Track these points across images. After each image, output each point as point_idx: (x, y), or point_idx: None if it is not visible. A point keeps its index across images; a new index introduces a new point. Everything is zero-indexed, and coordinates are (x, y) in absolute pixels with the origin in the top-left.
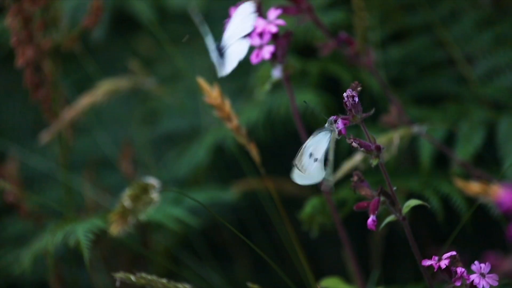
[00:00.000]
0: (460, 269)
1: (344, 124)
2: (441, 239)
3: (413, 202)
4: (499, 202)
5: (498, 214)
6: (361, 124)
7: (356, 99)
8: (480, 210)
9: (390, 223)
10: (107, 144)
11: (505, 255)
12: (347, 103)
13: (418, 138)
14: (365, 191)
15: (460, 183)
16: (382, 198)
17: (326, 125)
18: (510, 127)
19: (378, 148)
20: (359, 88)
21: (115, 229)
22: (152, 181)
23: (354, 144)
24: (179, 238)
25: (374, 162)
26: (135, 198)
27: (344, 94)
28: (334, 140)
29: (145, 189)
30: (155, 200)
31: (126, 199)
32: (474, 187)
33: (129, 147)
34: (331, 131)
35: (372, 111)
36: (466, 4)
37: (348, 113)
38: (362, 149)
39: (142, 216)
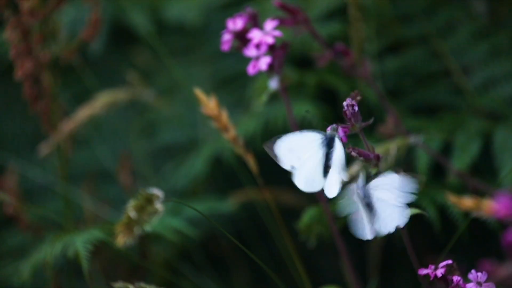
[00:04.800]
0: (456, 278)
1: (344, 133)
2: (438, 249)
3: (411, 211)
4: (495, 210)
5: (493, 223)
6: (360, 133)
7: (356, 108)
8: (476, 219)
9: None
10: (106, 156)
11: (500, 263)
12: (347, 111)
13: (414, 148)
14: None
15: (453, 198)
16: None
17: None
18: (506, 137)
19: (378, 157)
20: (358, 98)
21: (121, 240)
22: (156, 191)
23: (353, 154)
24: (178, 249)
25: (373, 171)
26: (140, 209)
27: (344, 103)
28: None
29: (149, 199)
30: (159, 211)
31: (131, 209)
32: (466, 202)
33: (127, 159)
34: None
35: (371, 120)
36: (462, 16)
37: (347, 122)
38: (361, 158)
39: (147, 227)
